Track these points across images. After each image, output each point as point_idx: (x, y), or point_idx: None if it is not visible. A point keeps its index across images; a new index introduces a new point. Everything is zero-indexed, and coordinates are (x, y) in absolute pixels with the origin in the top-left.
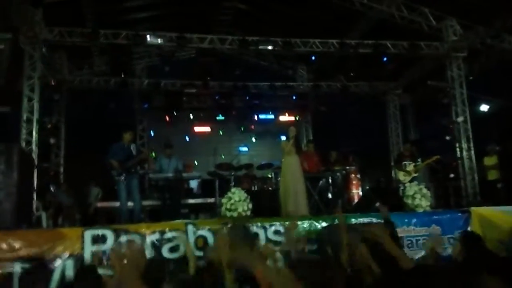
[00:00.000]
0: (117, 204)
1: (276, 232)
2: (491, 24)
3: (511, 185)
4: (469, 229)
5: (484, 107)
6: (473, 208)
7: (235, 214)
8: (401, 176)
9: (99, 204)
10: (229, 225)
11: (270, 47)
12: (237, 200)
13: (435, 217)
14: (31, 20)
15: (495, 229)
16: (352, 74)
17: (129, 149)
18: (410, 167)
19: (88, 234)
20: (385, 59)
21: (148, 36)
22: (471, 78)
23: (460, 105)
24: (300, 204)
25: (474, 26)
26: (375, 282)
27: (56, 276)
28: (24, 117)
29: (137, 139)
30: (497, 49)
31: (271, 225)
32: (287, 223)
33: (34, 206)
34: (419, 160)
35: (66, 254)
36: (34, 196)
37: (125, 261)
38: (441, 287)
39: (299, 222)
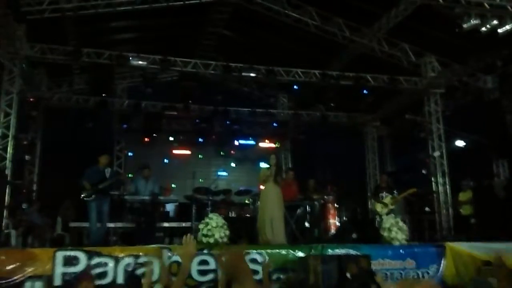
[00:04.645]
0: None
1: (252, 261)
2: (467, 63)
3: (484, 221)
4: (442, 263)
5: (459, 143)
6: (448, 243)
7: (211, 240)
8: (378, 207)
9: (71, 224)
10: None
11: (253, 75)
12: (214, 226)
13: (410, 250)
14: (12, 35)
15: (468, 265)
16: (332, 104)
17: (104, 173)
18: (387, 199)
19: (60, 255)
20: (365, 91)
21: (131, 58)
22: (447, 113)
23: (436, 139)
24: (277, 232)
25: (452, 63)
26: None
27: None
28: (0, 133)
29: (115, 159)
30: (472, 87)
31: (247, 253)
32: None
33: (4, 224)
34: (395, 192)
35: (36, 275)
36: (5, 213)
37: None
38: None
39: (276, 250)
